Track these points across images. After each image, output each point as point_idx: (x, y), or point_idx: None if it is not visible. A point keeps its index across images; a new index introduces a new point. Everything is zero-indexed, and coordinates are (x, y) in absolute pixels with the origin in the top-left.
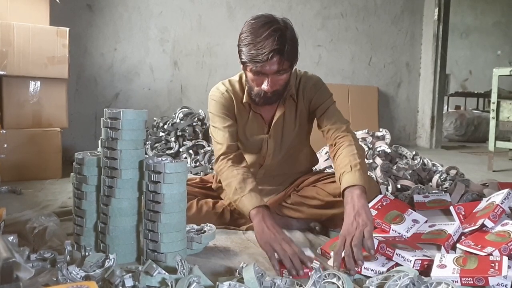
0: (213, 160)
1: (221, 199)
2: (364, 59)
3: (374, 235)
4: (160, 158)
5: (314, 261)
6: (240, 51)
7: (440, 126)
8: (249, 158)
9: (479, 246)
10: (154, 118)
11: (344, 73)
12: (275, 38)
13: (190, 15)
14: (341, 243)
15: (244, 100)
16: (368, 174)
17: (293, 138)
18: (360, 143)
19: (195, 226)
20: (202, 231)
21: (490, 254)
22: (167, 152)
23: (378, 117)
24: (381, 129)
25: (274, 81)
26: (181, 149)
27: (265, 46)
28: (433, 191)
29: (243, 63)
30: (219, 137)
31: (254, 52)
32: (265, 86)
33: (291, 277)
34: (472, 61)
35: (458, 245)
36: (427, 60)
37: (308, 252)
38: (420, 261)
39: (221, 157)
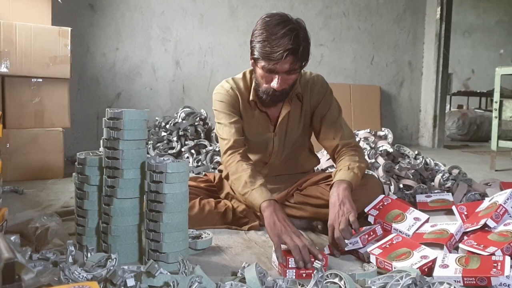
0: (215, 160)
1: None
2: (366, 58)
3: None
4: (162, 158)
5: (316, 261)
6: (253, 47)
7: (443, 125)
8: (253, 156)
9: (482, 246)
10: (156, 118)
11: (346, 72)
12: (291, 38)
13: (192, 14)
14: (331, 232)
15: (251, 98)
16: (371, 173)
17: (297, 138)
18: (362, 151)
19: (194, 232)
20: (200, 237)
21: (493, 254)
22: (169, 151)
23: (380, 116)
24: (383, 129)
25: (283, 80)
26: (183, 149)
27: (280, 44)
28: (436, 191)
29: (255, 59)
30: (225, 133)
31: (269, 49)
32: (274, 84)
33: (295, 271)
34: (475, 60)
35: (460, 244)
36: (430, 59)
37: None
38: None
39: (229, 151)
